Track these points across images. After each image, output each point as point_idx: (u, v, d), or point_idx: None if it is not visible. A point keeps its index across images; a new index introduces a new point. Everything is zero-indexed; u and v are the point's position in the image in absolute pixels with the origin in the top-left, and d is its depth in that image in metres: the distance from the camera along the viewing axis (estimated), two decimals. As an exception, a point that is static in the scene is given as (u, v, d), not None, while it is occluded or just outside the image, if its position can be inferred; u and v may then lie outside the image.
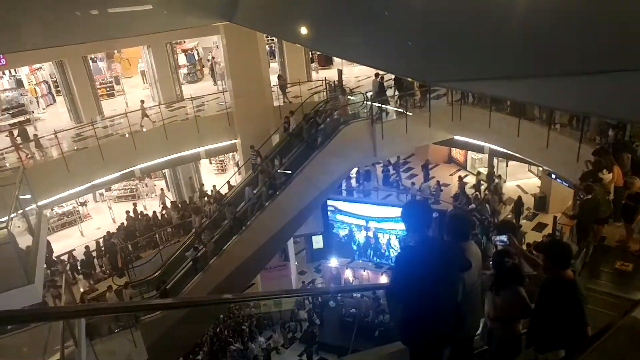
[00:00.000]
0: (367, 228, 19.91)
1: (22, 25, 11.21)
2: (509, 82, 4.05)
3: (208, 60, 24.75)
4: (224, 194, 17.77)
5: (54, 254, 15.99)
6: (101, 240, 16.97)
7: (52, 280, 11.54)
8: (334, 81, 19.64)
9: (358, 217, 20.00)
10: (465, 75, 4.24)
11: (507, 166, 20.14)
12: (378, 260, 20.09)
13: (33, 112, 20.64)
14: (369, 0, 5.75)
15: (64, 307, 6.97)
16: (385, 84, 17.24)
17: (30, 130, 17.86)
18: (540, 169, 18.30)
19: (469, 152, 21.87)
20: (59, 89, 21.21)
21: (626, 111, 3.33)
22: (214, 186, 19.07)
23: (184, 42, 24.87)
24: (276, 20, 8.69)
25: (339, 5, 6.51)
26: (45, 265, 14.29)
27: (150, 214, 19.07)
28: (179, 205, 18.97)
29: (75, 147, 16.18)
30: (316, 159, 15.22)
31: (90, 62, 21.77)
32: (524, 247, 9.06)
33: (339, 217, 20.59)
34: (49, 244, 15.52)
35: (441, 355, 3.67)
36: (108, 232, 17.14)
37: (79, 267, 15.80)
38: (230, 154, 22.54)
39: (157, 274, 15.21)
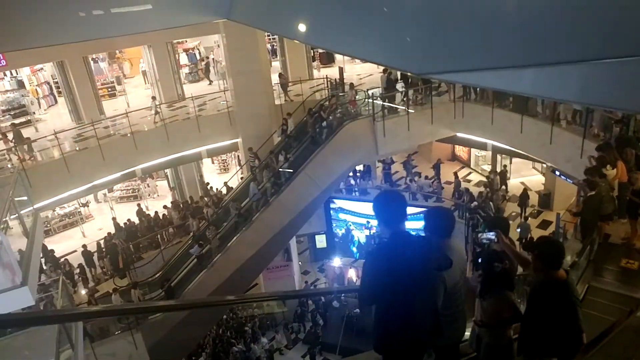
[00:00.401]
0: (369, 227, 19.74)
1: (22, 24, 11.16)
2: (507, 72, 3.90)
3: (203, 60, 24.69)
4: (224, 193, 17.70)
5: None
6: (102, 242, 16.92)
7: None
8: (336, 79, 19.54)
9: (359, 215, 19.83)
10: (462, 66, 4.11)
11: (510, 163, 19.96)
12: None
13: (34, 113, 20.61)
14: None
15: (60, 310, 6.89)
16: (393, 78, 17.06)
17: (31, 131, 17.89)
18: (545, 165, 18.10)
19: (472, 150, 21.70)
20: (60, 90, 21.19)
21: (626, 101, 3.19)
22: (211, 187, 18.98)
23: (185, 41, 24.85)
24: (272, 15, 8.60)
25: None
26: (45, 267, 14.34)
27: (152, 215, 19.02)
28: (181, 205, 18.90)
29: (77, 148, 16.12)
30: (318, 157, 15.12)
31: (92, 62, 21.78)
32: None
33: (341, 215, 20.45)
34: (46, 247, 15.52)
35: None
36: (109, 233, 17.09)
37: (74, 273, 15.76)
38: (232, 153, 22.47)
39: (159, 273, 15.21)
